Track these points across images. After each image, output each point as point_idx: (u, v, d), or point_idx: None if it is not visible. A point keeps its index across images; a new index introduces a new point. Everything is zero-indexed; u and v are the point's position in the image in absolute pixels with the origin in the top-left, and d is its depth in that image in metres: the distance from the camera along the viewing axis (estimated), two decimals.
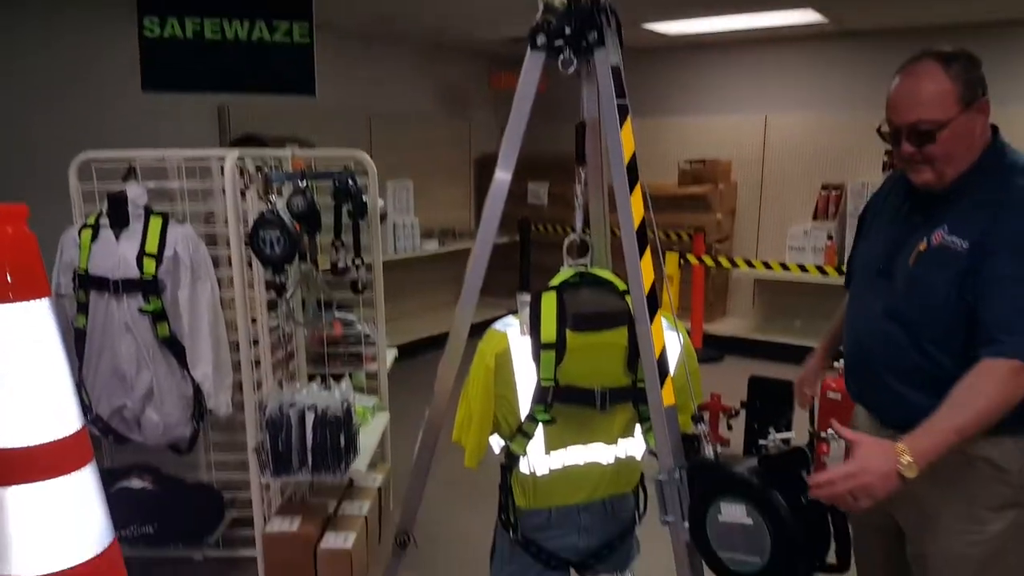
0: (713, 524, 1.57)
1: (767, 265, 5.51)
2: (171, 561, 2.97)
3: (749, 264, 5.59)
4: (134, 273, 2.58)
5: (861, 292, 1.75)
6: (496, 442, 2.01)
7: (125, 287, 2.59)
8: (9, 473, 1.35)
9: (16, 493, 1.35)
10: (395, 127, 5.98)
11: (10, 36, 3.92)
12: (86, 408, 2.67)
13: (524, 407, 1.91)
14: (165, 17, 3.54)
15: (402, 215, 5.76)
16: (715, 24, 5.35)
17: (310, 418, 2.57)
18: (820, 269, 5.36)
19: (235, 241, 2.58)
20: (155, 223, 2.62)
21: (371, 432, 3.08)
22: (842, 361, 2.00)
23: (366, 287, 3.09)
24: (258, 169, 2.76)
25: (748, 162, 6.16)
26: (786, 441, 1.55)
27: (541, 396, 1.87)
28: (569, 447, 1.99)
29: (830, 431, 1.55)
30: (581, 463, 2.02)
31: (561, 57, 1.77)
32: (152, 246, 2.60)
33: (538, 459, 1.97)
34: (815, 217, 5.68)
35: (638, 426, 2.03)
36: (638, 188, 1.71)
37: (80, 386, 2.65)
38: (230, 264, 2.63)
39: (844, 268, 5.44)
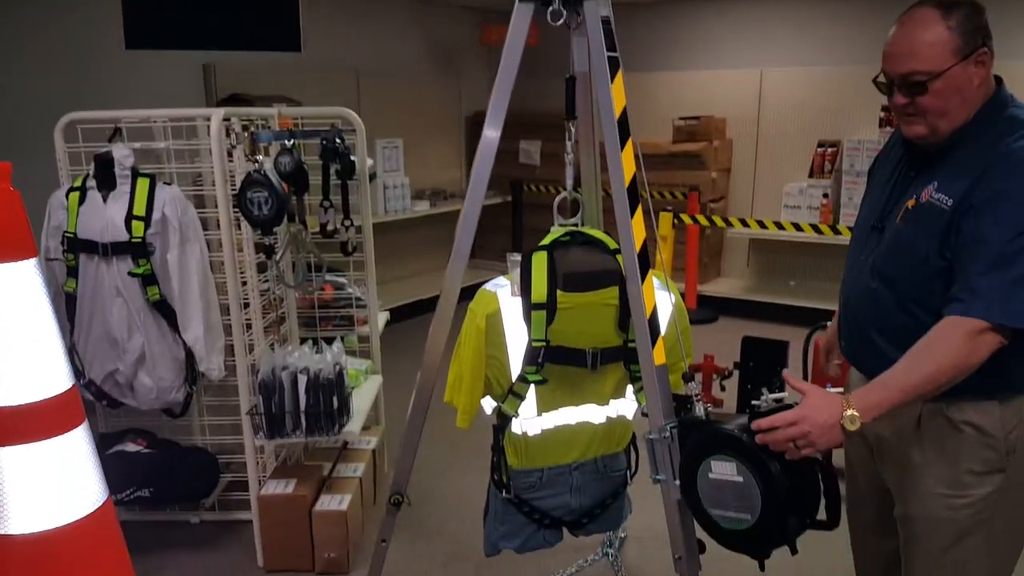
0: (704, 482, 1.58)
1: (762, 224, 5.48)
2: (167, 524, 2.99)
3: (744, 223, 5.56)
4: (123, 236, 2.55)
5: (856, 249, 1.73)
6: (488, 403, 2.01)
7: (114, 250, 2.57)
8: (1, 433, 1.34)
9: (9, 453, 1.35)
10: (384, 84, 5.89)
11: None
12: (79, 373, 2.66)
13: (515, 368, 1.90)
14: None
15: (392, 175, 5.69)
16: None
17: (303, 381, 2.56)
18: (815, 228, 5.34)
19: (223, 202, 2.54)
20: (142, 185, 2.59)
21: (364, 395, 3.08)
22: (830, 321, 1.99)
23: (356, 249, 3.07)
24: (244, 128, 2.72)
25: (743, 119, 6.09)
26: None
27: (532, 357, 1.86)
28: (560, 407, 2.00)
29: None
30: (573, 423, 2.03)
31: (550, 8, 1.73)
32: (140, 208, 2.57)
33: (530, 419, 1.97)
34: (811, 175, 5.63)
35: (629, 386, 2.03)
36: (629, 144, 1.68)
37: (72, 351, 2.64)
38: (218, 226, 2.60)
39: (839, 227, 5.42)
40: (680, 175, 5.89)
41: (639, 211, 1.70)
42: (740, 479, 1.52)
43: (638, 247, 1.70)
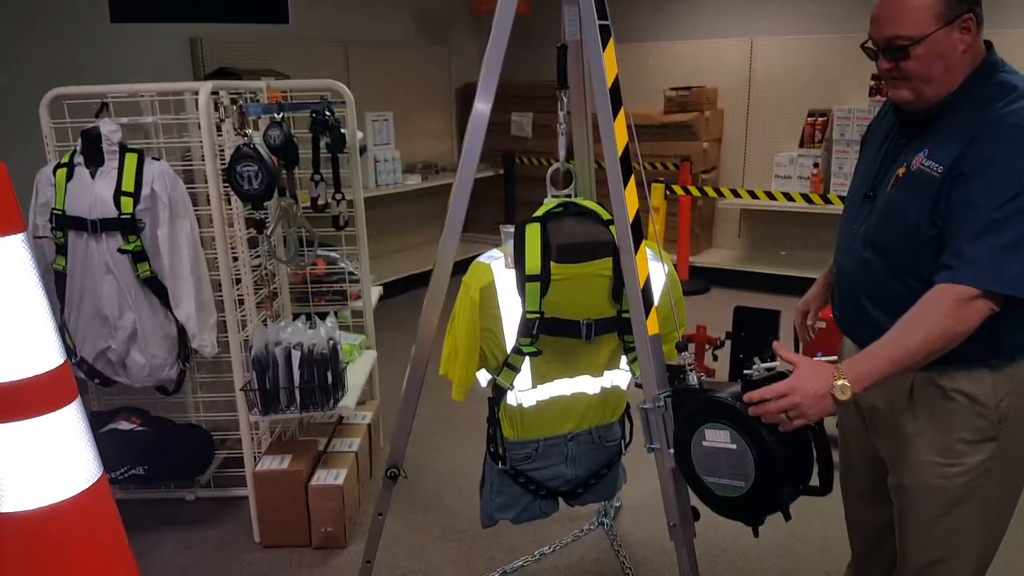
0: (698, 450, 1.59)
1: (753, 194, 5.48)
2: (162, 502, 3.00)
3: (735, 194, 5.56)
4: (112, 212, 2.53)
5: (849, 218, 1.73)
6: (483, 376, 2.01)
7: (103, 227, 2.54)
8: None
9: (1, 431, 1.34)
10: (373, 56, 5.83)
11: None
12: (70, 351, 2.65)
13: (510, 340, 1.91)
14: None
15: (382, 149, 5.65)
16: None
17: (296, 356, 2.56)
18: (806, 197, 5.34)
19: (212, 177, 2.52)
20: (130, 160, 2.56)
21: (358, 370, 3.08)
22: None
23: (347, 223, 3.05)
24: (233, 102, 2.69)
25: (734, 89, 6.07)
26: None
27: (527, 328, 1.87)
28: (555, 379, 2.00)
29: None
30: (567, 394, 2.04)
31: None
32: (129, 184, 2.54)
33: (525, 391, 1.98)
34: (801, 144, 5.62)
35: (623, 357, 2.04)
36: (622, 114, 1.67)
37: (63, 329, 2.63)
38: (208, 201, 2.58)
39: (830, 196, 5.42)
40: (672, 146, 5.87)
41: (632, 181, 1.69)
42: (734, 447, 1.53)
43: (631, 217, 1.70)
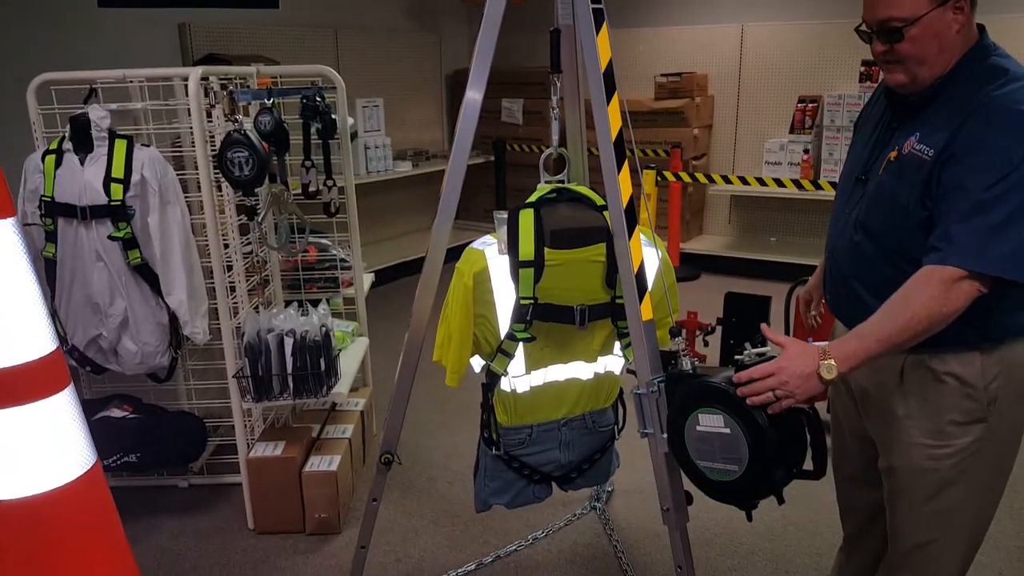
0: (691, 435, 1.60)
1: (743, 180, 5.48)
2: (156, 489, 3.00)
3: (726, 180, 5.56)
4: (101, 199, 2.51)
5: (841, 202, 1.73)
6: (477, 362, 2.01)
7: (93, 213, 2.52)
8: None
9: None
10: (363, 42, 5.79)
11: None
12: (61, 339, 2.63)
13: (504, 326, 1.91)
14: None
15: (373, 135, 5.62)
16: None
17: (289, 343, 2.56)
18: (796, 183, 5.35)
19: (203, 163, 2.50)
20: (120, 147, 2.54)
21: (351, 356, 3.08)
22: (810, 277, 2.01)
23: (339, 210, 3.04)
24: (223, 87, 2.67)
25: (724, 75, 6.06)
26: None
27: (520, 314, 1.87)
28: (549, 364, 2.00)
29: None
30: (561, 380, 2.04)
31: None
32: (118, 170, 2.52)
33: (519, 377, 1.98)
34: (792, 130, 5.63)
35: (617, 342, 2.04)
36: (615, 98, 1.66)
37: (54, 316, 2.61)
38: (199, 188, 2.56)
39: (820, 182, 5.43)
40: (662, 132, 5.87)
41: (626, 166, 1.69)
42: (727, 431, 1.53)
43: (625, 202, 1.70)
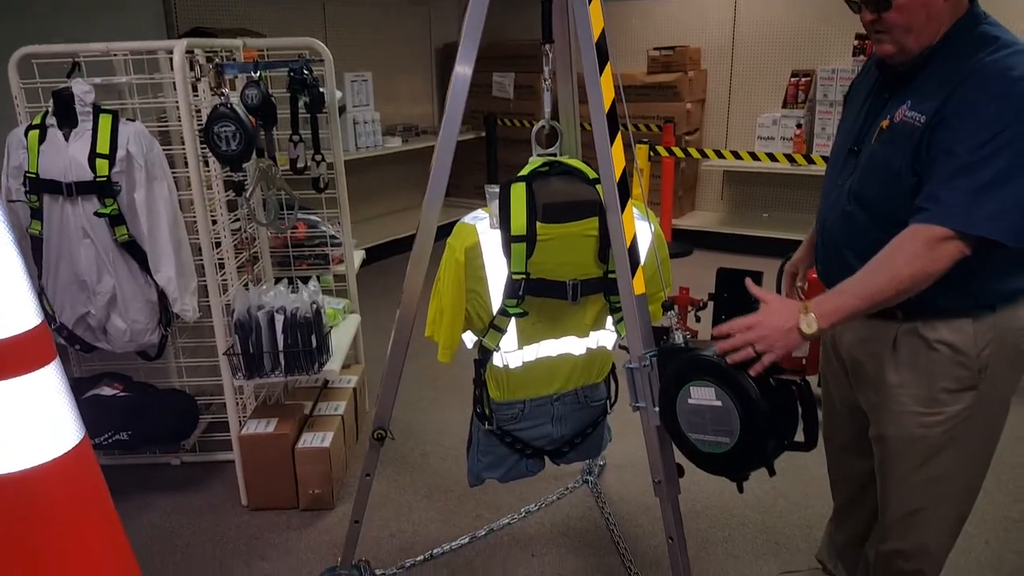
0: (683, 408, 1.60)
1: (736, 155, 5.47)
2: (148, 467, 3.00)
3: (719, 155, 5.55)
4: (87, 175, 2.48)
5: (833, 173, 1.73)
6: (469, 337, 2.00)
7: (79, 190, 2.49)
8: None
9: None
10: (351, 14, 5.72)
11: None
12: (49, 317, 2.61)
13: (496, 301, 1.89)
14: None
15: (362, 110, 5.55)
16: None
17: (279, 320, 2.54)
18: (789, 158, 5.34)
19: (189, 138, 2.47)
20: (105, 121, 2.50)
21: (343, 333, 3.07)
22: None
23: (328, 185, 3.01)
24: (209, 60, 2.63)
25: (717, 49, 6.02)
26: None
27: (512, 289, 1.85)
28: (541, 340, 2.00)
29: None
30: (554, 355, 2.04)
31: None
32: (103, 146, 2.48)
33: (511, 352, 1.98)
34: (784, 105, 5.61)
35: (609, 317, 2.04)
36: (608, 69, 1.64)
37: (41, 294, 2.59)
38: (186, 164, 2.53)
39: (813, 156, 5.42)
40: (655, 107, 5.84)
41: (619, 139, 1.68)
42: (719, 403, 1.54)
43: (618, 176, 1.68)
